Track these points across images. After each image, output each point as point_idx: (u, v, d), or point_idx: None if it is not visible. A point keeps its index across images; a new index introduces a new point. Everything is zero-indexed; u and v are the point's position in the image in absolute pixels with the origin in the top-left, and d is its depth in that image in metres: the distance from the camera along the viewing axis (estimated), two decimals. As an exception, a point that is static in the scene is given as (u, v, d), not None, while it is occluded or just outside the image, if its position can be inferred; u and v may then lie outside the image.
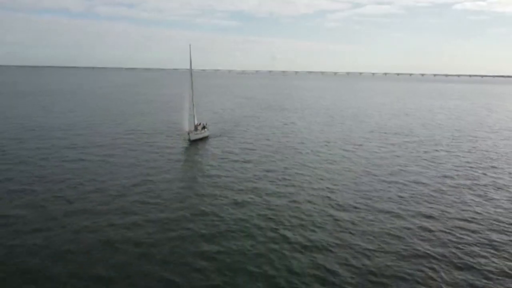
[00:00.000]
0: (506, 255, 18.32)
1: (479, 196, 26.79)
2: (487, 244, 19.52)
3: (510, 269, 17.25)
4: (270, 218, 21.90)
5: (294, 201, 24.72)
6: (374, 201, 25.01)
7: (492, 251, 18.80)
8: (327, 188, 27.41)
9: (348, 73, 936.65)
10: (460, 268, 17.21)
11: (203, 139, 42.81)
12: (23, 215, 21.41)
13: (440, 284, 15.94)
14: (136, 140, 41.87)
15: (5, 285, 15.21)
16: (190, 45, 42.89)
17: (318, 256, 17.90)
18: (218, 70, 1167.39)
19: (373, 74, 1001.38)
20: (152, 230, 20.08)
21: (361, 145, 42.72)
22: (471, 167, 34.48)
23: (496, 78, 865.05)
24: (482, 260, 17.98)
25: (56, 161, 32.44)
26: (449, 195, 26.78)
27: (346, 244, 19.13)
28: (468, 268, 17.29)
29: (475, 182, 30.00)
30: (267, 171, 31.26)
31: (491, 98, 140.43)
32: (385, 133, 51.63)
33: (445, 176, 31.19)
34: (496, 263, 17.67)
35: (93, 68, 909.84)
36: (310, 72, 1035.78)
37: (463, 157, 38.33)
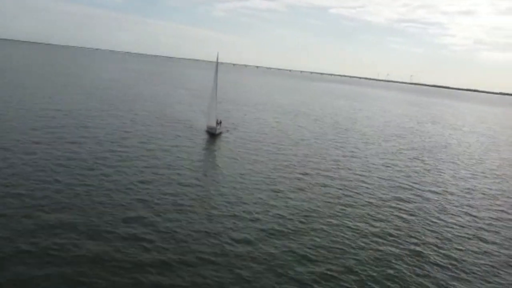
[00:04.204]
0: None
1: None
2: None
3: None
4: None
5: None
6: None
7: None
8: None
9: (234, 65, 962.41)
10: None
11: (220, 133, 48.56)
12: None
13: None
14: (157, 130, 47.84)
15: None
16: (218, 53, 49.82)
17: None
18: (98, 49, 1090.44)
19: (257, 67, 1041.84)
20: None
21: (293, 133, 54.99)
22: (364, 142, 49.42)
23: (361, 80, 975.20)
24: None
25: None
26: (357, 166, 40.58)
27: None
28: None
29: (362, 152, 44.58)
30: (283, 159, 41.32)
31: (368, 99, 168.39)
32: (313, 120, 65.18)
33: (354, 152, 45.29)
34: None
35: None
36: (196, 60, 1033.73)
37: (360, 139, 53.53)
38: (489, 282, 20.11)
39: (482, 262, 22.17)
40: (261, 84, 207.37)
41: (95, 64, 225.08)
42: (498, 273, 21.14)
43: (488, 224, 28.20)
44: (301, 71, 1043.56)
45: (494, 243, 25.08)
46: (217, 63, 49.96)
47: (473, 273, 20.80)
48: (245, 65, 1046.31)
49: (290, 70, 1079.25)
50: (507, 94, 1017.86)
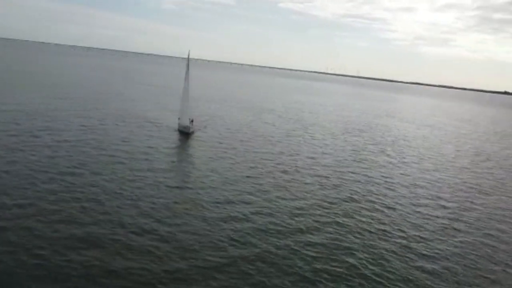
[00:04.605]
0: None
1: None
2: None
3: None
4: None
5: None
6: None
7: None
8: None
9: (183, 58, 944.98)
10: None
11: (192, 132, 47.82)
12: None
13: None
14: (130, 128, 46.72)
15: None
16: (189, 51, 49.12)
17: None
18: (43, 42, 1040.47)
19: (208, 61, 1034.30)
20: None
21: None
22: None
23: (312, 73, 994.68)
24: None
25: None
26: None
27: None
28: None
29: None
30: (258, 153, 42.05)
31: (323, 93, 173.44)
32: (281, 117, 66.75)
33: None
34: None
35: None
36: (149, 54, 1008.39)
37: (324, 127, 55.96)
38: (472, 268, 21.95)
39: (465, 251, 24.07)
40: (215, 79, 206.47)
41: (43, 58, 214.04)
42: (477, 261, 23.08)
43: (460, 215, 30.46)
44: (251, 65, 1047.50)
45: (467, 232, 27.22)
46: (188, 60, 49.50)
47: (457, 263, 22.55)
48: (196, 59, 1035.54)
49: (241, 64, 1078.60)
50: (446, 86, 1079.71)
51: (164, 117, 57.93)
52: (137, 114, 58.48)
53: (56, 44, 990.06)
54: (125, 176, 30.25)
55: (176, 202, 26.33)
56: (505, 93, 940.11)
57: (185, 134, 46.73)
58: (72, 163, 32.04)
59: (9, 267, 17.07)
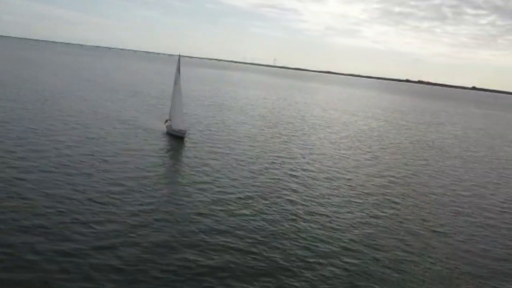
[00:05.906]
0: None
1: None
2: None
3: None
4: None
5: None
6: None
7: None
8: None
9: (82, 46, 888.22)
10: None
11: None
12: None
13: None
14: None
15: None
16: (179, 54, 47.64)
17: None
18: None
19: (121, 49, 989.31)
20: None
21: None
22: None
23: (230, 63, 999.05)
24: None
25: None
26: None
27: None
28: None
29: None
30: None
31: (260, 86, 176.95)
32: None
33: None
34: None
35: None
36: (36, 41, 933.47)
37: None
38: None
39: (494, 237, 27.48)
40: (143, 70, 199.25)
41: None
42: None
43: (456, 204, 34.23)
44: (169, 55, 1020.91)
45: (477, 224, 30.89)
46: (179, 58, 48.68)
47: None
48: (109, 48, 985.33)
49: (157, 53, 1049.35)
50: (354, 75, 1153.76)
51: (136, 117, 55.80)
52: (106, 114, 55.55)
53: None
54: (151, 191, 29.12)
55: (232, 213, 26.34)
56: (407, 81, 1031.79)
57: (179, 138, 45.52)
58: (73, 178, 30.16)
59: None
